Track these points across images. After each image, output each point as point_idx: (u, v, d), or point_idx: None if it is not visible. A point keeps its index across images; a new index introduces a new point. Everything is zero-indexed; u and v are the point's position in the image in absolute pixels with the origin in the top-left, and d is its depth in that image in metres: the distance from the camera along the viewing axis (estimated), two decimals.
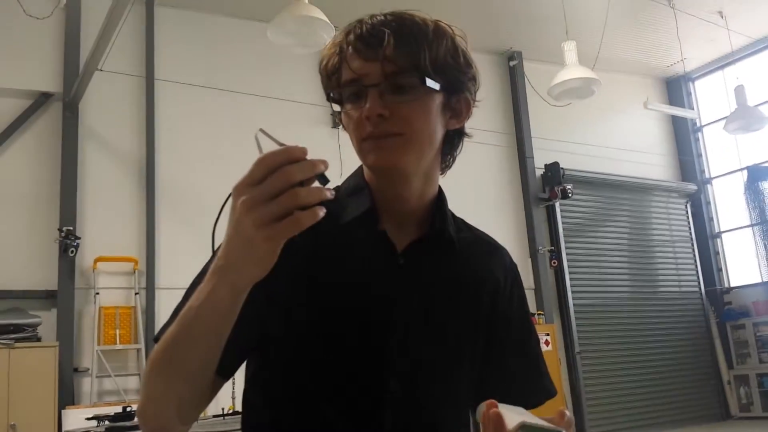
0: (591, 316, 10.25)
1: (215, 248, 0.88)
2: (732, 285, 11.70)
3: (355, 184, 1.08)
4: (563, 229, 10.35)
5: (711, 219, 12.12)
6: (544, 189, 10.31)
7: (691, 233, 11.92)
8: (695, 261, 11.77)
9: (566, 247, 10.29)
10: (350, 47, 1.00)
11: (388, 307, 1.01)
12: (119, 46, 6.92)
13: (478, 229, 1.26)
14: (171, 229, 7.74)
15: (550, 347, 9.26)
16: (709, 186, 12.25)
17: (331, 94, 1.05)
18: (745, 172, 11.42)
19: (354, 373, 0.99)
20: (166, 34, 8.19)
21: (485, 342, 1.12)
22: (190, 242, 7.83)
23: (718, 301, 11.58)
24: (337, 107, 1.06)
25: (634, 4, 9.28)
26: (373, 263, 1.03)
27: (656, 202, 11.70)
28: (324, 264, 0.98)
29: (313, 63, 9.07)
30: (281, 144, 0.75)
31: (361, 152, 1.02)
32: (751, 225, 11.26)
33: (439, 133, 1.05)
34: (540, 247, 10.01)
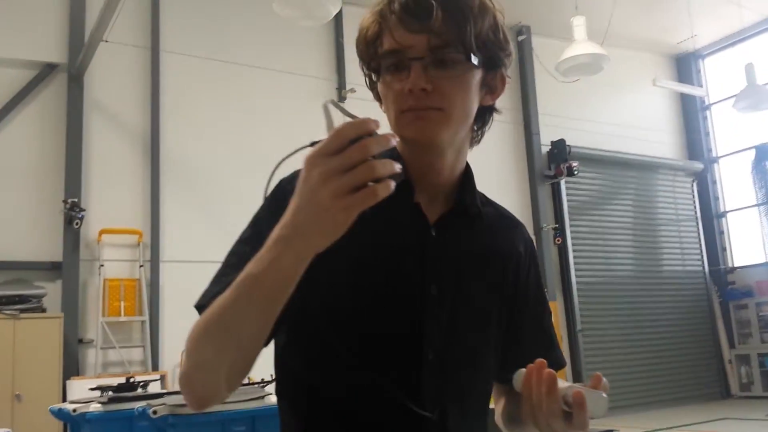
0: (594, 295, 10.27)
1: (268, 206, 0.99)
2: (736, 265, 11.69)
3: (388, 154, 1.08)
4: (568, 207, 10.32)
5: (717, 198, 12.07)
6: (550, 166, 10.27)
7: (696, 212, 11.88)
8: (699, 240, 11.75)
9: (570, 225, 10.27)
10: (394, 16, 0.99)
11: (422, 276, 1.03)
12: (124, 18, 6.87)
13: (498, 204, 1.26)
14: (176, 201, 7.74)
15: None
16: (715, 165, 12.17)
17: (371, 63, 1.05)
18: (753, 151, 11.33)
19: (391, 336, 1.01)
20: (172, 6, 8.11)
21: (509, 313, 1.15)
22: (195, 215, 7.84)
23: (722, 281, 11.58)
24: (374, 77, 1.07)
25: None
26: (407, 234, 1.04)
27: (662, 181, 11.64)
28: (361, 235, 0.91)
29: (319, 35, 9.02)
30: (351, 115, 0.75)
31: (398, 124, 1.01)
32: (757, 205, 11.21)
33: (474, 108, 1.07)
34: (544, 225, 9.99)
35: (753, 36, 11.33)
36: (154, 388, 4.47)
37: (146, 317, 7.25)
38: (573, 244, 10.20)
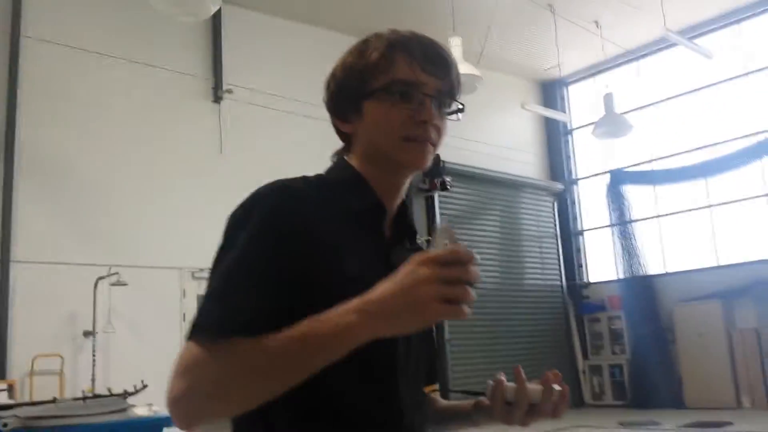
0: None
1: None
2: (591, 280, 12.53)
3: (349, 176, 1.14)
4: (440, 220, 10.62)
5: (575, 217, 12.89)
6: (425, 180, 10.53)
7: (556, 230, 12.62)
8: (558, 256, 12.48)
9: None
10: (414, 54, 1.11)
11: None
12: None
13: None
14: (32, 198, 7.20)
15: None
16: (575, 186, 13.01)
17: (365, 83, 1.11)
18: (609, 175, 12.22)
19: (370, 349, 1.01)
20: None
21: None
22: (54, 214, 7.34)
23: (578, 295, 12.36)
24: (357, 96, 1.13)
25: (518, 7, 9.63)
26: (378, 258, 1.11)
27: (526, 199, 12.28)
28: (344, 254, 1.04)
29: (196, 33, 8.75)
30: (455, 240, 0.92)
31: (399, 148, 1.10)
32: (611, 225, 12.08)
33: None
34: (418, 237, 10.19)
35: (613, 67, 12.25)
36: (1, 398, 4.11)
37: None
38: None
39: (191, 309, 8.22)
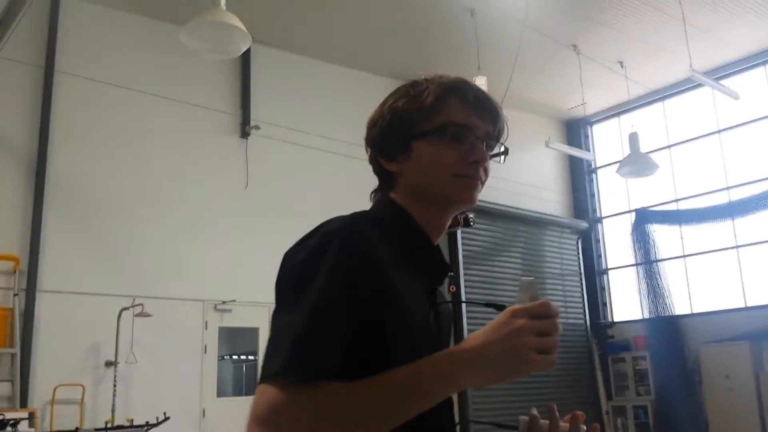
0: None
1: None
2: (615, 320, 12.34)
3: (398, 214, 1.17)
4: (463, 256, 10.60)
5: (599, 256, 12.77)
6: None
7: (580, 268, 12.49)
8: (582, 295, 12.34)
9: (464, 274, 10.54)
10: (468, 99, 1.17)
11: (438, 338, 1.16)
12: (19, 34, 6.55)
13: None
14: (60, 228, 7.34)
15: None
16: (599, 225, 12.91)
17: (416, 124, 1.16)
18: (633, 214, 12.12)
19: None
20: (71, 25, 7.83)
21: None
22: (81, 244, 7.46)
23: (602, 334, 12.16)
24: (406, 137, 1.18)
25: (543, 47, 9.72)
26: (425, 296, 1.14)
27: (550, 237, 12.20)
28: (406, 295, 1.06)
29: (226, 70, 8.94)
30: (537, 295, 0.96)
31: (452, 185, 1.15)
32: (636, 264, 11.94)
33: None
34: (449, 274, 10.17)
35: (638, 107, 12.23)
36: (22, 426, 4.14)
37: (17, 350, 6.75)
38: (466, 293, 10.44)
39: (213, 341, 8.25)
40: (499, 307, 0.99)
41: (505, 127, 1.22)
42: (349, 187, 9.95)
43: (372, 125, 1.24)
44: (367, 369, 0.92)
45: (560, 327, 0.92)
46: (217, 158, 8.74)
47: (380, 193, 1.24)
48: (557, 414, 1.10)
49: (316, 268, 0.97)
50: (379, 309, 0.98)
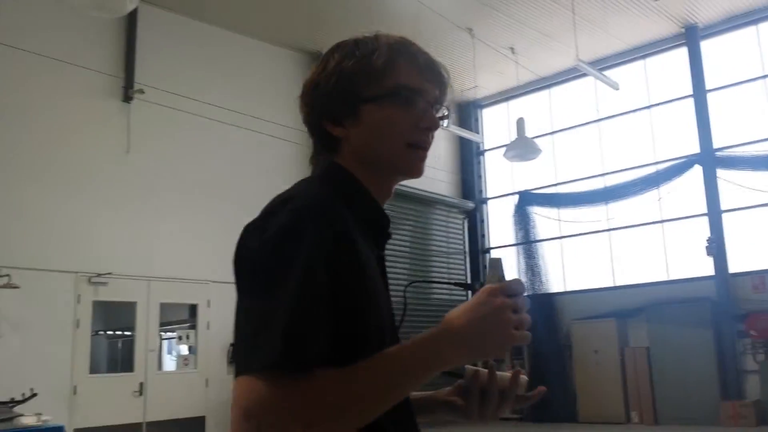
0: None
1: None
2: None
3: (351, 184, 1.11)
4: (491, 256, 10.63)
5: (483, 235, 13.22)
6: None
7: (465, 246, 12.89)
8: (466, 273, 12.74)
9: None
10: (416, 61, 1.13)
11: (388, 300, 1.13)
12: None
13: None
14: None
15: None
16: (484, 205, 13.35)
17: (366, 86, 1.10)
18: (517, 196, 12.61)
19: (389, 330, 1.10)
20: None
21: None
22: None
23: None
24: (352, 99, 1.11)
25: (439, 28, 9.83)
26: (378, 261, 1.11)
27: (438, 216, 12.49)
28: (371, 271, 1.03)
29: (108, 30, 8.42)
30: (501, 276, 1.01)
31: (404, 156, 1.11)
32: (516, 244, 12.46)
33: None
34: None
35: (526, 93, 12.68)
36: None
37: None
38: None
39: (86, 316, 7.84)
40: (464, 286, 1.01)
41: (451, 90, 1.18)
42: (242, 159, 9.72)
43: (313, 86, 1.16)
44: (347, 350, 0.92)
45: (528, 302, 0.95)
46: (96, 121, 8.26)
47: (322, 158, 1.16)
48: (494, 368, 1.14)
49: (293, 250, 0.92)
50: (358, 292, 0.97)
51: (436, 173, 12.52)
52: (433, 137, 1.14)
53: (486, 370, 1.14)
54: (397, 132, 1.10)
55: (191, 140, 9.07)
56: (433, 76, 1.14)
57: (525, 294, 0.95)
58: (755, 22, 10.71)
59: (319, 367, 0.87)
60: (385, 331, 1.04)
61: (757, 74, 10.75)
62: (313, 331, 0.88)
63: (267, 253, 0.93)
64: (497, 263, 1.01)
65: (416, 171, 1.14)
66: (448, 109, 1.18)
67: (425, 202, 12.11)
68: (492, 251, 13.11)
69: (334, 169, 1.12)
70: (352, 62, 1.12)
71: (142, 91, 8.48)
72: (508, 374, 1.14)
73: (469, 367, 1.14)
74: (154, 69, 8.77)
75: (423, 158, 1.13)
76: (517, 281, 0.96)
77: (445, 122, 1.18)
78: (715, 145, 10.83)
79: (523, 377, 1.14)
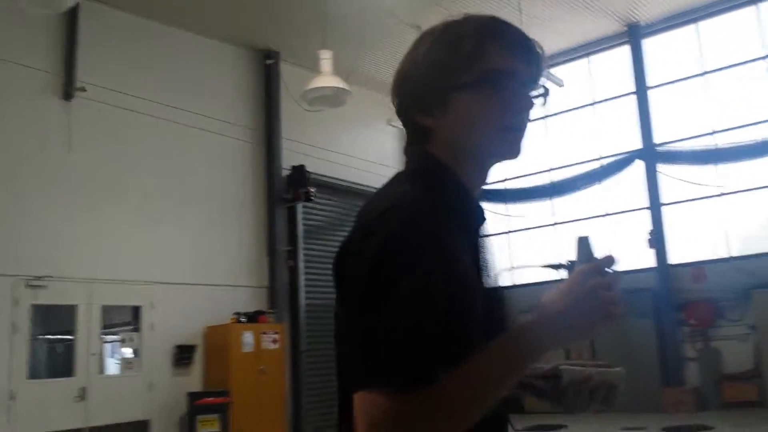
0: (321, 317, 10.57)
1: None
2: None
3: (448, 178, 1.09)
4: (303, 231, 10.55)
5: None
6: (289, 190, 10.41)
7: None
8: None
9: (304, 249, 10.50)
10: (502, 42, 1.08)
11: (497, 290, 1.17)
12: None
13: None
14: None
15: (277, 345, 9.36)
16: None
17: (455, 74, 1.06)
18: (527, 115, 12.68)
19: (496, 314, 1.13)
20: None
21: None
22: None
23: None
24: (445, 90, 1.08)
25: (388, 26, 9.79)
26: (477, 235, 1.14)
27: None
28: (472, 265, 1.07)
29: (50, 26, 8.11)
30: (591, 252, 0.99)
31: (493, 140, 1.08)
32: None
33: None
34: (279, 247, 10.08)
35: None
36: None
37: None
38: (305, 267, 10.42)
39: (24, 320, 7.57)
40: (556, 267, 1.01)
41: (545, 66, 1.14)
42: (187, 157, 9.52)
43: (404, 77, 1.12)
44: (459, 350, 0.93)
45: (620, 277, 0.95)
46: (36, 120, 7.96)
47: (415, 147, 1.13)
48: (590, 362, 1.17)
49: (405, 268, 0.93)
50: (463, 293, 0.98)
51: (388, 170, 12.46)
52: (529, 117, 1.10)
53: (581, 369, 1.11)
54: (489, 118, 1.06)
55: (136, 138, 8.84)
56: (525, 54, 1.09)
57: (616, 268, 0.95)
58: (695, 20, 11.05)
59: (437, 376, 0.90)
60: (483, 321, 1.04)
61: (696, 71, 11.09)
62: (435, 347, 0.90)
63: (377, 272, 0.94)
64: (586, 242, 1.00)
65: (513, 152, 1.10)
66: (545, 88, 1.14)
67: None
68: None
69: (426, 162, 1.10)
70: (440, 49, 1.08)
71: (83, 89, 8.22)
72: (604, 368, 1.11)
73: (566, 368, 1.10)
74: (97, 66, 8.51)
75: (519, 139, 1.09)
76: (608, 258, 0.96)
77: (543, 100, 1.14)
78: (656, 141, 11.14)
79: (620, 370, 1.12)
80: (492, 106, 1.06)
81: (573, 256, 0.97)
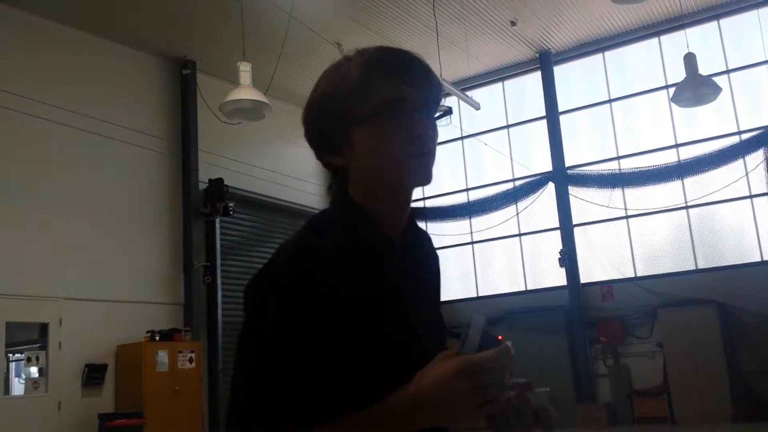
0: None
1: None
2: None
3: (353, 214, 1.11)
4: (221, 246, 10.38)
5: None
6: (206, 204, 10.23)
7: None
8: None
9: (222, 264, 10.32)
10: (394, 70, 1.09)
11: (406, 301, 1.11)
12: None
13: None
14: None
15: (194, 364, 9.12)
16: None
17: (353, 111, 1.08)
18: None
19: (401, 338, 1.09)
20: None
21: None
22: None
23: None
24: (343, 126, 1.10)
25: (308, 41, 9.85)
26: (388, 272, 1.11)
27: None
28: (370, 305, 1.05)
29: None
30: (493, 336, 0.96)
31: (403, 168, 1.08)
32: None
33: None
34: (195, 262, 9.86)
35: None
36: None
37: None
38: (223, 283, 10.24)
39: None
40: (455, 335, 1.02)
41: (440, 84, 1.14)
42: (100, 168, 9.21)
43: (307, 120, 1.15)
44: (358, 394, 0.98)
45: (509, 370, 0.95)
46: None
47: (335, 188, 1.16)
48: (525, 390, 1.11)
49: (259, 315, 1.00)
50: (333, 336, 0.99)
51: (306, 185, 12.49)
52: (433, 138, 1.10)
53: (517, 393, 1.06)
54: (390, 148, 1.07)
55: (45, 148, 8.50)
56: (414, 79, 1.09)
57: (503, 370, 0.94)
58: (603, 49, 11.64)
59: (316, 425, 0.94)
60: (398, 349, 1.05)
61: (603, 98, 11.67)
62: (281, 392, 0.95)
63: (250, 308, 1.02)
64: (478, 325, 0.96)
65: (424, 178, 1.10)
66: (447, 107, 1.17)
67: (297, 214, 12.02)
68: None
69: (338, 200, 1.14)
70: (332, 87, 1.11)
71: None
72: (541, 390, 1.06)
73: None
74: (5, 72, 8.16)
75: (426, 164, 1.09)
76: (493, 358, 0.93)
77: (449, 118, 1.17)
78: (567, 164, 11.62)
79: (547, 389, 1.08)
80: (389, 137, 1.07)
81: (466, 334, 0.95)
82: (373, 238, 1.10)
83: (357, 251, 1.06)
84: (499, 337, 0.97)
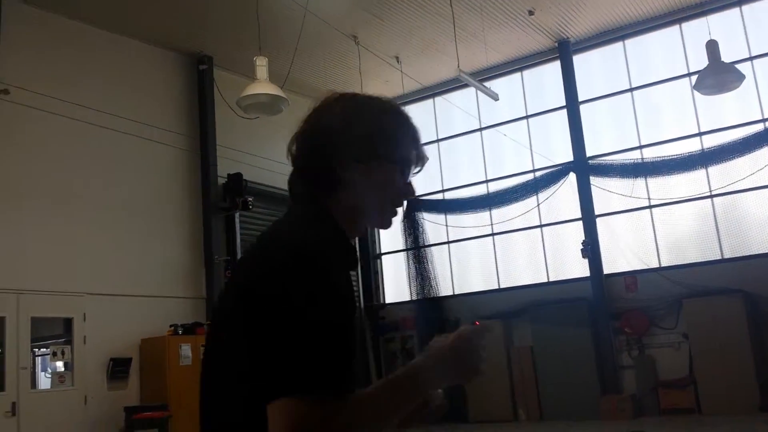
0: None
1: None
2: (387, 301, 12.99)
3: (337, 233, 1.25)
4: (241, 240, 10.43)
5: (374, 242, 13.33)
6: (225, 198, 10.28)
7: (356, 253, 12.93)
8: (358, 279, 12.80)
9: None
10: (414, 138, 1.31)
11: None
12: None
13: None
14: None
15: None
16: None
17: (405, 155, 1.29)
18: (405, 202, 12.78)
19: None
20: None
21: None
22: None
23: (374, 316, 12.74)
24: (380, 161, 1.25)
25: (324, 35, 9.84)
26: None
27: None
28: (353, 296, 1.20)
29: None
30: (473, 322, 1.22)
31: (385, 214, 1.30)
32: (406, 249, 12.66)
33: None
34: (216, 257, 9.92)
35: (411, 102, 12.88)
36: None
37: None
38: None
39: None
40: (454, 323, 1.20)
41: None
42: (119, 164, 9.27)
43: (347, 125, 1.25)
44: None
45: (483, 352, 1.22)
46: None
47: (319, 195, 1.27)
48: None
49: (318, 291, 1.07)
50: (352, 325, 1.15)
51: None
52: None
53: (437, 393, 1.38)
54: (390, 192, 1.27)
55: (63, 144, 8.59)
56: (419, 152, 1.31)
57: (483, 336, 1.22)
58: (623, 37, 11.47)
59: (349, 393, 1.06)
60: (356, 332, 1.26)
61: (624, 87, 11.51)
62: (348, 362, 1.08)
63: (295, 293, 1.06)
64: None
65: (388, 225, 1.32)
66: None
67: None
68: (382, 256, 13.24)
69: (321, 217, 1.25)
70: (394, 123, 1.28)
71: (7, 92, 7.94)
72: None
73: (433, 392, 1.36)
74: (22, 68, 8.25)
75: (393, 218, 1.31)
76: (474, 330, 1.22)
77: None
78: (588, 154, 11.49)
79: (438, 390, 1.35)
80: (395, 184, 1.27)
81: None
82: (349, 248, 1.28)
83: (345, 255, 1.23)
84: (476, 323, 1.27)
